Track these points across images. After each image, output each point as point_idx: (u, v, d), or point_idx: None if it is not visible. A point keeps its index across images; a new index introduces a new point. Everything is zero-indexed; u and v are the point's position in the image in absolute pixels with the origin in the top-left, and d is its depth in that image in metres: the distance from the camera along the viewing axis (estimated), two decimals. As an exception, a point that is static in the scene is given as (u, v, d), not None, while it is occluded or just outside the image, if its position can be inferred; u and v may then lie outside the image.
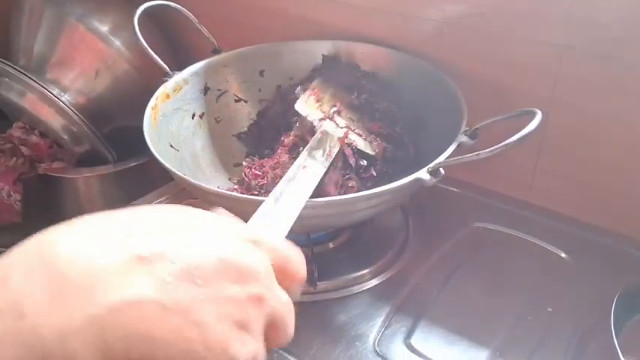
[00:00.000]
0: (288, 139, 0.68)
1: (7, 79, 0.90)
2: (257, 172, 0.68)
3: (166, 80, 0.72)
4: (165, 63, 0.72)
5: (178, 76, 0.73)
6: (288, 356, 0.54)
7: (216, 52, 0.79)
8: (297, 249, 0.33)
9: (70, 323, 0.23)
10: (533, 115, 0.51)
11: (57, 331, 0.23)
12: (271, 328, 0.29)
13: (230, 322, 0.26)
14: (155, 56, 0.71)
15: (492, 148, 0.48)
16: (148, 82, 0.77)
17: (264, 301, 0.28)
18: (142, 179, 0.92)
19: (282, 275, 0.31)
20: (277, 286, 0.30)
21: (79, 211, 0.97)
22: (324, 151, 0.60)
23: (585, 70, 0.64)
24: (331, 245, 0.69)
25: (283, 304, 0.30)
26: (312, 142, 0.61)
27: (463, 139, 0.57)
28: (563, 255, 0.67)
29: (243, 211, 0.57)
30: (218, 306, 0.26)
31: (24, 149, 0.94)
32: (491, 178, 0.77)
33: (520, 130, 0.49)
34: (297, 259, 0.32)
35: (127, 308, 0.24)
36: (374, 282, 0.64)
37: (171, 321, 0.25)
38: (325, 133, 0.63)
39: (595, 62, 0.63)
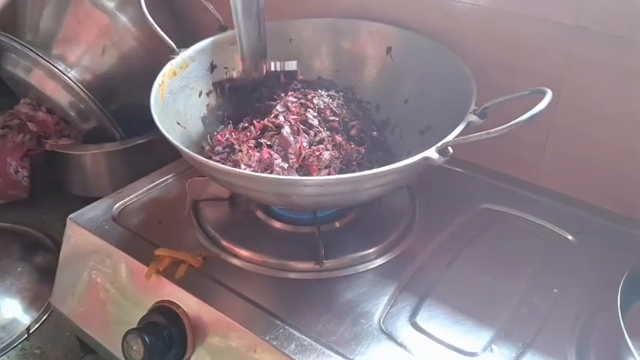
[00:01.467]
0: (258, 124, 0.69)
1: (13, 55, 0.90)
2: (221, 139, 0.69)
3: (173, 57, 0.71)
4: (171, 40, 0.72)
5: (185, 54, 0.72)
6: (294, 332, 0.55)
7: (222, 29, 0.79)
8: None
9: None
10: (543, 94, 0.51)
11: None
12: None
13: None
14: (162, 33, 0.71)
15: (502, 126, 0.48)
16: (154, 60, 0.77)
17: None
18: (148, 157, 0.92)
19: None
20: None
21: (85, 187, 0.98)
22: None
23: (597, 51, 0.64)
24: (337, 225, 0.69)
25: None
26: None
27: (472, 118, 0.57)
28: (569, 237, 0.67)
29: (256, 190, 0.57)
30: None
31: (31, 125, 0.95)
32: (500, 159, 0.77)
33: (530, 110, 0.49)
34: None
35: None
36: (379, 261, 0.64)
37: None
38: None
39: (607, 43, 0.62)
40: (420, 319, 0.57)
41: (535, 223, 0.69)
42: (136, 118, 0.87)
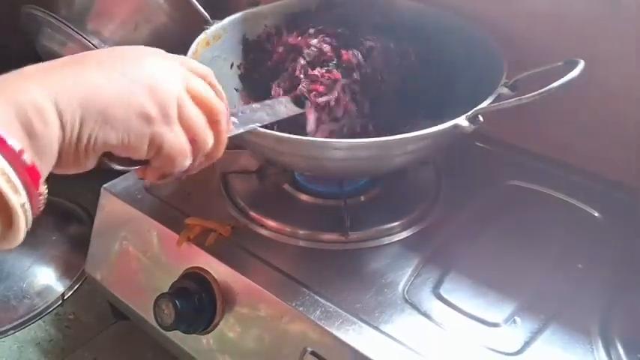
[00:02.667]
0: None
1: (49, 30, 0.92)
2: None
3: (207, 28, 0.72)
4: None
5: (218, 25, 0.73)
6: (320, 299, 0.56)
7: (253, 4, 0.79)
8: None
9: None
10: (575, 64, 0.51)
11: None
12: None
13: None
14: (196, 3, 0.72)
15: (534, 93, 0.48)
16: (186, 36, 0.78)
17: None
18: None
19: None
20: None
21: (116, 160, 0.98)
22: None
23: (631, 26, 0.63)
24: (363, 198, 0.70)
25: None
26: None
27: (503, 90, 0.57)
28: (596, 214, 0.66)
29: (281, 152, 0.58)
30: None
31: (65, 100, 0.97)
32: (528, 136, 0.76)
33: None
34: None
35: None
36: (404, 234, 0.65)
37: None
38: None
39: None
40: (443, 290, 0.58)
41: (561, 199, 0.68)
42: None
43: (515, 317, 0.55)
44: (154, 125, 0.38)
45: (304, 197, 0.70)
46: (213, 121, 0.42)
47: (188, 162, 0.41)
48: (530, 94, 0.48)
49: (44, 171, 0.34)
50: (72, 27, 0.89)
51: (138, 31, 0.93)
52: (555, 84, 0.47)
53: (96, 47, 0.90)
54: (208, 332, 0.61)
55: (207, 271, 0.62)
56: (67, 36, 0.90)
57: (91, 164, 0.38)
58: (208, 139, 0.42)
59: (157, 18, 0.93)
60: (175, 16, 0.92)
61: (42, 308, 0.83)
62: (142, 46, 0.43)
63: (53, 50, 0.93)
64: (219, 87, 0.45)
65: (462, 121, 0.52)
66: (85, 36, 0.89)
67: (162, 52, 0.43)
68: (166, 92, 0.39)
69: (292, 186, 0.72)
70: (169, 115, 0.39)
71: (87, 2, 0.92)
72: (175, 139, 0.39)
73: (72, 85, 0.35)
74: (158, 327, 0.59)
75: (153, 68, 0.40)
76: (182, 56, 0.45)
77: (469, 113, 0.52)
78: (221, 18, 0.74)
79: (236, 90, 0.75)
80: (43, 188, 0.34)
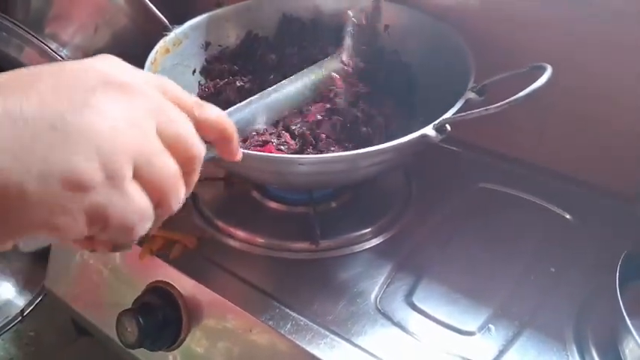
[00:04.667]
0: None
1: (4, 34, 0.88)
2: None
3: (166, 34, 0.70)
4: (164, 17, 0.71)
5: (178, 30, 0.71)
6: (290, 312, 0.54)
7: (218, 5, 0.77)
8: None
9: None
10: (543, 70, 0.50)
11: None
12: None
13: None
14: (154, 8, 0.69)
15: (501, 102, 0.47)
16: (148, 38, 0.75)
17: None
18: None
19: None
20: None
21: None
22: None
23: (599, 28, 0.62)
24: (333, 204, 0.68)
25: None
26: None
27: (471, 95, 0.56)
28: (567, 216, 0.66)
29: (252, 168, 0.56)
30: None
31: (23, 106, 0.93)
32: (498, 139, 0.76)
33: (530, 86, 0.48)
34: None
35: None
36: (376, 241, 0.63)
37: None
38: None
39: (609, 19, 0.61)
40: (416, 299, 0.57)
41: (533, 202, 0.68)
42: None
43: (490, 325, 0.54)
44: (91, 193, 0.26)
45: (273, 205, 0.68)
46: (187, 172, 0.32)
47: (150, 225, 0.31)
48: (498, 104, 0.47)
49: None
50: (29, 30, 0.86)
51: (98, 34, 0.90)
52: (523, 93, 0.46)
53: (54, 51, 0.86)
54: (175, 348, 0.59)
55: (172, 285, 0.59)
56: (23, 40, 0.87)
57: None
58: (180, 194, 0.32)
59: (117, 20, 0.89)
60: (137, 19, 0.89)
61: (1, 325, 0.79)
62: (110, 60, 0.32)
63: (10, 55, 0.90)
64: (214, 117, 0.35)
65: (430, 130, 0.51)
66: (42, 40, 0.86)
67: (131, 71, 0.32)
68: (118, 140, 0.27)
69: (261, 193, 0.70)
70: (118, 175, 0.27)
71: (44, 5, 0.89)
72: (129, 204, 0.28)
73: None
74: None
75: (104, 100, 0.28)
76: (164, 78, 0.34)
77: (436, 122, 0.51)
78: (181, 21, 0.72)
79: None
80: None
